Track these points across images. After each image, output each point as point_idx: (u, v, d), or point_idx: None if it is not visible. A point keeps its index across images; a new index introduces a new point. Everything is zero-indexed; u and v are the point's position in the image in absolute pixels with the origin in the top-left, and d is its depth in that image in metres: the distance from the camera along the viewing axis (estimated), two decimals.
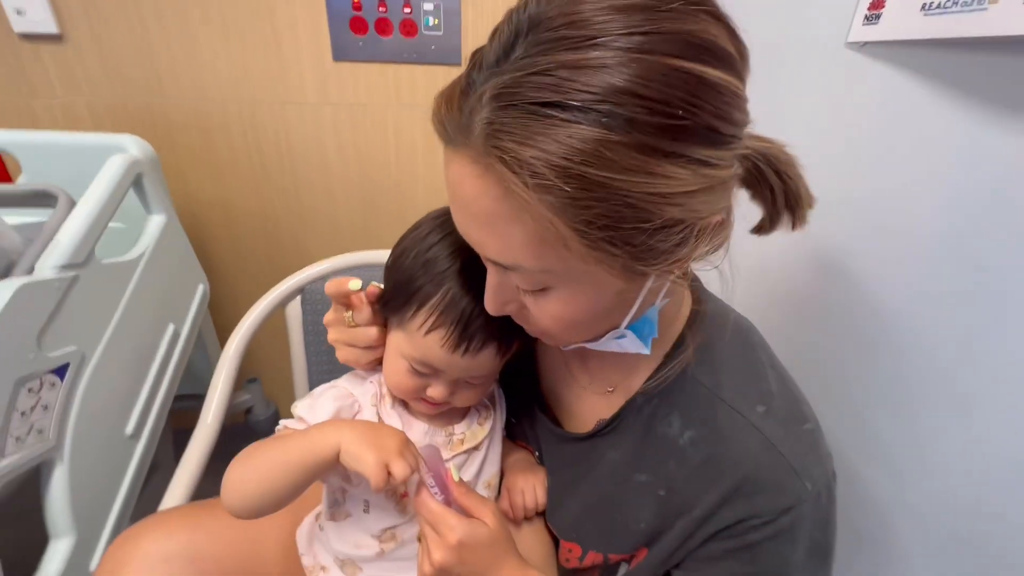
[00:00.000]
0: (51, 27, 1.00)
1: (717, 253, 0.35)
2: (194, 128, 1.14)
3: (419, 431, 0.52)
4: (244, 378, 1.34)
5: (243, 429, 1.38)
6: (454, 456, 0.52)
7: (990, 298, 0.43)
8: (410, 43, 1.07)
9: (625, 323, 0.41)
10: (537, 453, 0.58)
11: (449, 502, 0.45)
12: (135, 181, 0.89)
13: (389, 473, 0.40)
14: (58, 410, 0.69)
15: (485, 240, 0.35)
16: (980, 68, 0.43)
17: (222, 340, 0.83)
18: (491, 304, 0.41)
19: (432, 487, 0.45)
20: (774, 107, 0.60)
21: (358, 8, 1.04)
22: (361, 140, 1.18)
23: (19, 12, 0.99)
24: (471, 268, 0.44)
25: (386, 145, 1.19)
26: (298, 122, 1.15)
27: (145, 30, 1.04)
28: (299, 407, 0.50)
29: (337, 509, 0.52)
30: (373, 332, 0.49)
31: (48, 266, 0.67)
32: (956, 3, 0.41)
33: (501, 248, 0.34)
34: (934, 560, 0.50)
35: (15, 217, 0.77)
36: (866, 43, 0.54)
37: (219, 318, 1.32)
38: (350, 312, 0.50)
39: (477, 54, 0.33)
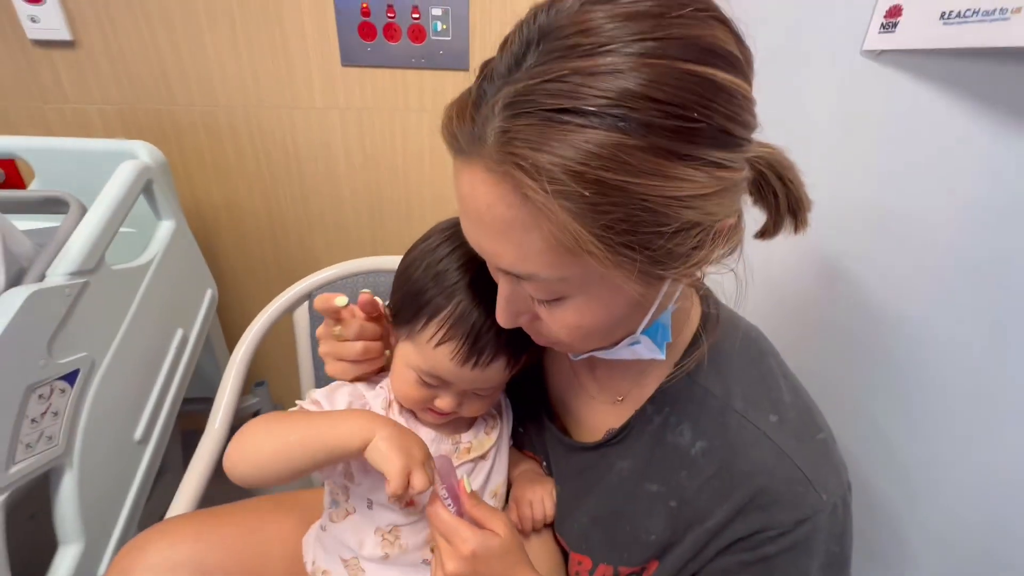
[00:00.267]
0: (64, 34, 1.02)
1: (731, 256, 0.35)
2: (203, 132, 1.15)
3: (426, 438, 0.51)
4: (252, 382, 1.34)
5: None
6: (461, 464, 0.52)
7: (1009, 311, 0.42)
8: (418, 48, 1.07)
9: (640, 329, 0.40)
10: (545, 463, 0.57)
11: (461, 513, 0.45)
12: (145, 187, 0.90)
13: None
14: (68, 416, 0.69)
15: (500, 250, 0.35)
16: (1000, 79, 0.42)
17: (230, 344, 0.83)
18: (503, 316, 0.41)
19: (444, 498, 0.45)
20: (787, 116, 0.59)
21: (366, 14, 1.04)
22: (369, 145, 1.18)
23: (33, 19, 1.00)
24: (481, 281, 0.44)
25: (394, 150, 1.19)
26: (306, 127, 1.16)
27: (155, 36, 1.05)
28: (316, 392, 0.51)
29: (337, 509, 0.52)
30: (359, 347, 0.50)
31: (59, 273, 0.67)
32: (976, 12, 0.40)
33: (517, 257, 0.34)
34: None
35: (27, 223, 0.78)
36: (882, 52, 0.53)
37: (227, 322, 1.32)
38: (339, 326, 0.50)
39: (487, 65, 0.33)
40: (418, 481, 0.40)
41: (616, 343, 0.42)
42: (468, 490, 0.45)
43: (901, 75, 0.51)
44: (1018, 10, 0.36)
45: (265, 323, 0.82)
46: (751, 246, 0.36)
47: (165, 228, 0.98)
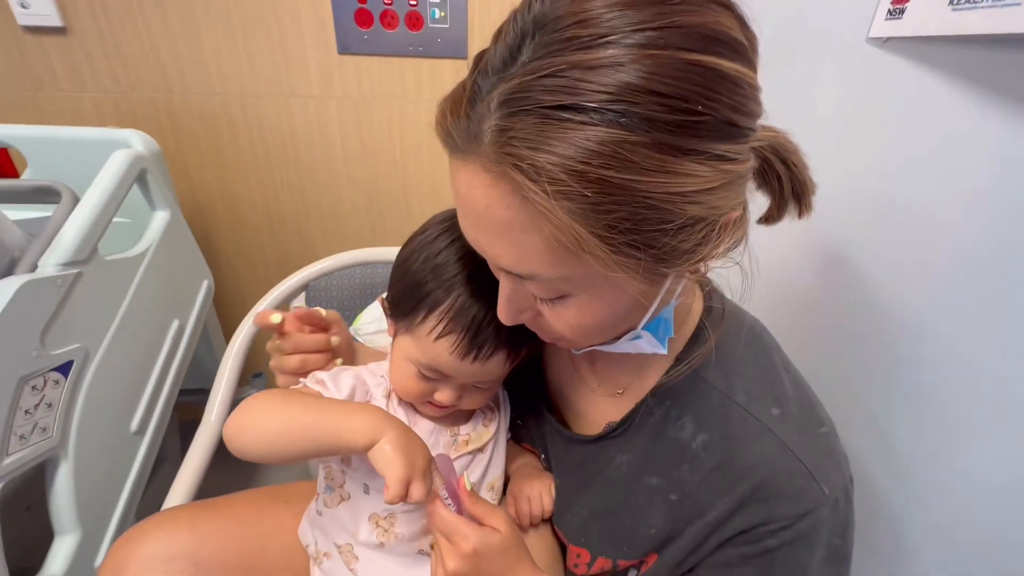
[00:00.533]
0: (55, 20, 1.00)
1: (736, 249, 0.35)
2: (198, 122, 1.14)
3: (424, 430, 0.51)
4: (249, 373, 1.34)
5: None
6: (459, 456, 0.52)
7: (1016, 306, 0.42)
8: (416, 36, 1.06)
9: (642, 324, 0.40)
10: (543, 456, 0.57)
11: (461, 511, 0.45)
12: (139, 177, 0.89)
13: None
14: (62, 407, 0.69)
15: (500, 250, 0.34)
16: (1010, 66, 0.41)
17: (227, 335, 0.83)
18: (505, 314, 0.40)
19: (444, 497, 0.45)
20: (792, 104, 0.58)
21: (363, 1, 1.02)
22: (367, 134, 1.17)
23: (23, 5, 0.98)
24: (481, 274, 0.43)
25: (391, 139, 1.18)
26: (303, 116, 1.14)
27: (148, 23, 1.03)
28: (320, 372, 0.51)
29: (331, 494, 0.52)
30: (296, 360, 0.52)
31: (51, 263, 0.67)
32: None
33: (517, 258, 0.33)
34: None
35: (19, 212, 0.77)
36: (889, 39, 0.52)
37: (224, 313, 1.31)
38: (279, 341, 0.52)
39: (481, 57, 0.32)
40: (416, 492, 0.39)
41: (618, 338, 0.42)
42: (468, 488, 0.45)
43: (908, 63, 0.50)
44: None
45: None
46: (754, 240, 0.36)
47: (160, 218, 0.97)
